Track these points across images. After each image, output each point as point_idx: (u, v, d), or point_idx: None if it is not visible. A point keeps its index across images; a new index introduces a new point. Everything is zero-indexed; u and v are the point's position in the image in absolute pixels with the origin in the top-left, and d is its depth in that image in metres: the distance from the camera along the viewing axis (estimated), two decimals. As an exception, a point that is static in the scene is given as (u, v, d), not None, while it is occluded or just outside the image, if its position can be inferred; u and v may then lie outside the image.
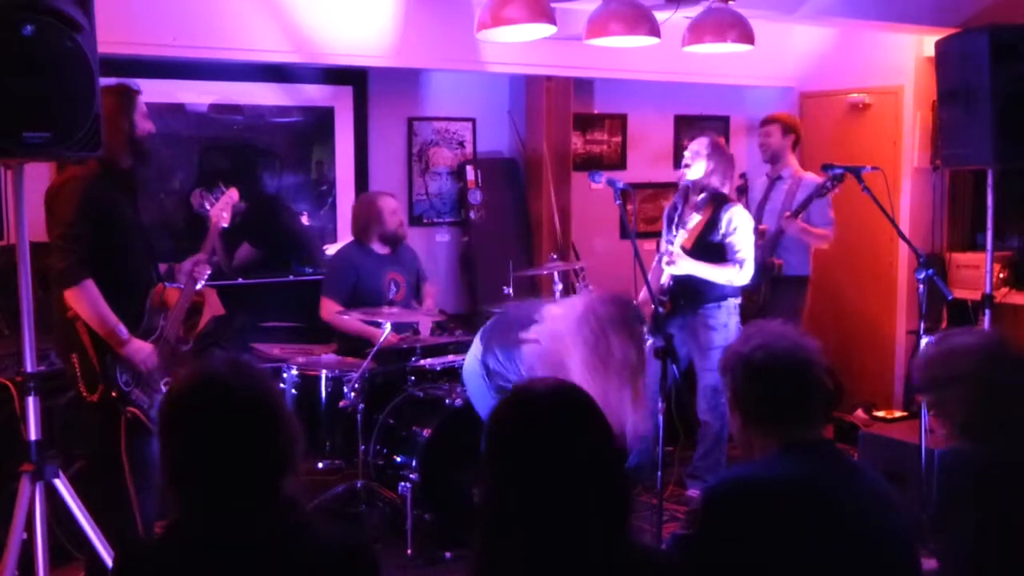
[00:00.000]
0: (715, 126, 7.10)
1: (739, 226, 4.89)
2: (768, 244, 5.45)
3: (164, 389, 3.81)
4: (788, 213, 5.38)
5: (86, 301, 3.57)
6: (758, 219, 5.54)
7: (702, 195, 4.94)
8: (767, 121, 5.76)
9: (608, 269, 6.10)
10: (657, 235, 5.64)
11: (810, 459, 2.24)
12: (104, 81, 3.25)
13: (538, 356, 3.60)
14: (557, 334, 3.48)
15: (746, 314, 5.39)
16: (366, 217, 5.33)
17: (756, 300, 5.42)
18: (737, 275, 4.89)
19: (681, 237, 4.84)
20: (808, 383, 2.28)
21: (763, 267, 5.38)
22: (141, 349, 3.72)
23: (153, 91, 4.81)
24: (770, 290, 5.45)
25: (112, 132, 3.54)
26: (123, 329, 3.66)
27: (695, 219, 4.83)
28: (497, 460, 1.86)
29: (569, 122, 6.38)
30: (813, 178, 5.46)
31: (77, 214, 3.56)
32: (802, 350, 2.29)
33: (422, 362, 4.94)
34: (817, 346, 2.32)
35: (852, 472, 2.30)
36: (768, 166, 5.80)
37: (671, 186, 5.37)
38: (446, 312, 5.87)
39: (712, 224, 4.88)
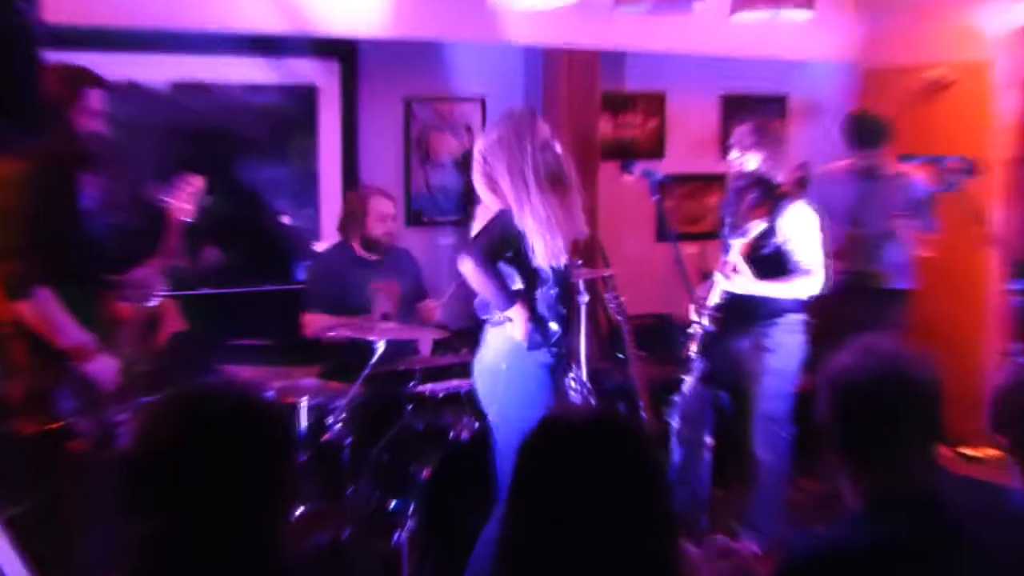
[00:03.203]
0: (771, 107, 7.07)
1: (800, 229, 4.86)
2: (868, 252, 5.40)
3: (116, 419, 3.80)
4: (899, 213, 5.31)
5: (43, 312, 3.58)
6: (852, 223, 5.49)
7: (754, 193, 4.94)
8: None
9: (643, 277, 6.07)
10: (702, 236, 5.62)
11: (904, 520, 2.15)
12: (54, 56, 3.25)
13: (480, 207, 4.10)
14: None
15: (831, 334, 5.34)
16: (350, 213, 5.36)
17: (847, 318, 5.34)
18: (806, 288, 4.87)
19: (738, 246, 4.80)
20: (905, 414, 2.18)
21: (861, 278, 5.34)
22: (108, 366, 3.73)
23: (104, 67, 4.80)
24: (862, 306, 5.39)
25: (55, 124, 3.56)
26: (91, 340, 3.67)
27: (758, 227, 4.80)
28: (521, 501, 1.87)
29: (596, 103, 6.37)
30: (919, 175, 5.40)
31: (18, 219, 3.56)
32: (906, 371, 2.19)
33: (421, 388, 4.91)
34: (931, 369, 2.22)
35: (957, 537, 2.19)
36: (835, 156, 5.77)
37: (718, 179, 5.34)
38: (449, 328, 5.83)
39: (769, 228, 4.86)
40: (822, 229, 4.99)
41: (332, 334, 4.99)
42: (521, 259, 4.01)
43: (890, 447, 2.19)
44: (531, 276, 4.05)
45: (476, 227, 4.13)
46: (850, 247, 5.35)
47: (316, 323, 5.19)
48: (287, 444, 1.91)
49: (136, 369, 3.95)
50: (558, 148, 4.04)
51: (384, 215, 5.34)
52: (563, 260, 4.07)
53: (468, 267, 3.98)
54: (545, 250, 3.99)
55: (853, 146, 5.62)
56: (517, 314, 4.00)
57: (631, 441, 1.88)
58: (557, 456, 1.85)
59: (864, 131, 5.60)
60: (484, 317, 4.16)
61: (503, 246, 3.99)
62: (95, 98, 3.81)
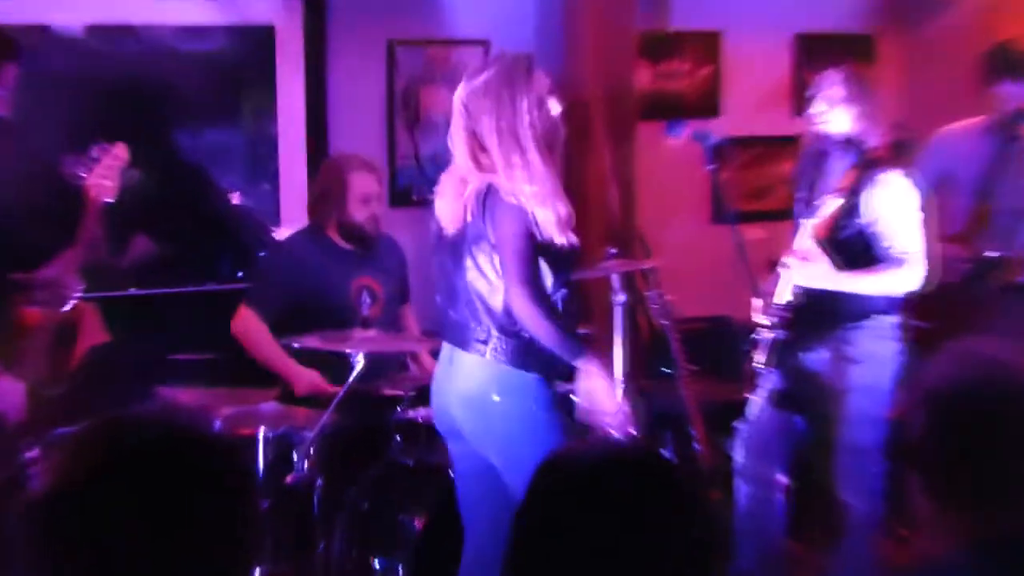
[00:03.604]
0: (858, 50, 7.06)
1: (893, 206, 4.86)
2: (1001, 233, 5.39)
3: (23, 457, 3.82)
4: None
5: None
6: (979, 195, 5.48)
7: (839, 159, 4.95)
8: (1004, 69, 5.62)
9: (695, 270, 6.07)
10: (770, 216, 5.61)
11: (1016, 571, 2.16)
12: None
13: (449, 178, 4.16)
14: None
15: (946, 341, 5.32)
16: (324, 192, 5.37)
17: (968, 319, 5.32)
18: (899, 282, 4.87)
19: (808, 227, 4.80)
20: (1018, 435, 2.19)
21: (989, 267, 5.33)
22: (12, 390, 3.75)
23: (3, 7, 4.83)
24: (989, 304, 5.38)
25: None
26: None
27: (833, 204, 4.81)
28: (528, 560, 1.88)
29: (632, 47, 6.39)
30: None
31: None
32: (1020, 381, 2.22)
33: (412, 413, 4.92)
34: None
35: None
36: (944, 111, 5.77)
37: (790, 142, 5.33)
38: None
39: (852, 205, 4.87)
40: (924, 207, 5.00)
41: (262, 339, 5.05)
42: (552, 247, 3.99)
43: (998, 477, 2.19)
44: (565, 264, 4.06)
45: (447, 205, 4.10)
46: (975, 226, 5.33)
47: (250, 324, 5.23)
48: (244, 488, 1.88)
49: (47, 393, 3.96)
50: (555, 109, 4.05)
51: (367, 194, 5.35)
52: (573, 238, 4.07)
53: (527, 310, 3.88)
54: (559, 222, 3.96)
55: (1002, 80, 5.59)
56: (592, 372, 3.97)
57: (664, 484, 1.87)
58: (562, 510, 1.85)
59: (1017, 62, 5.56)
60: (460, 336, 4.12)
61: (532, 238, 3.97)
62: (11, 74, 3.83)
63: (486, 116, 3.97)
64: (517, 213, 3.92)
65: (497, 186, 3.93)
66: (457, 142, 4.05)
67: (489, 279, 3.98)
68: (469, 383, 4.07)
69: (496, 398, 4.01)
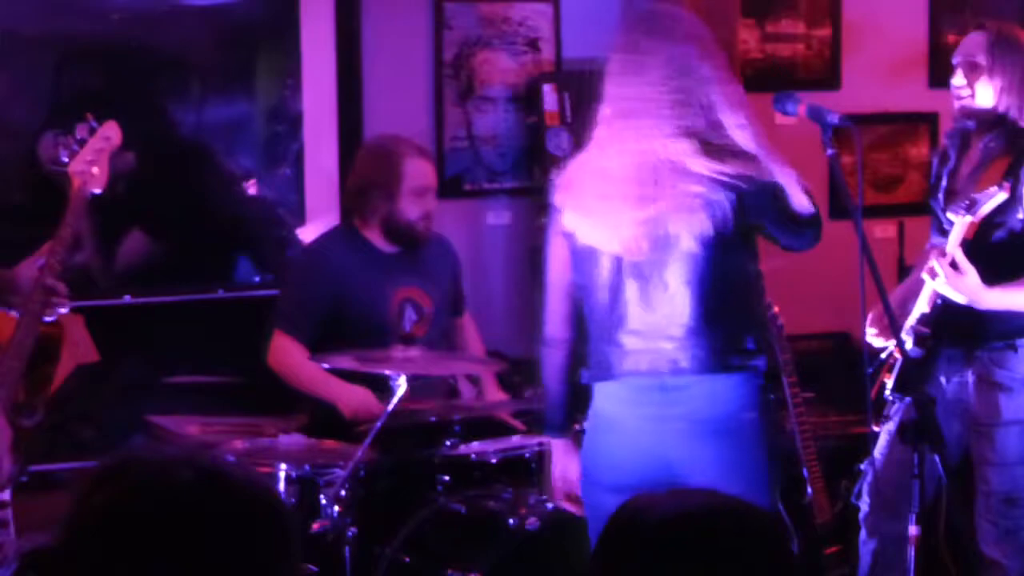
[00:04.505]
0: (1010, 7, 7.02)
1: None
2: None
3: None
4: None
5: None
6: None
7: (988, 138, 4.91)
8: None
9: (809, 276, 6.04)
10: (902, 210, 5.56)
11: None
12: None
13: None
14: None
15: None
16: (371, 183, 5.37)
17: None
18: None
19: (960, 227, 4.76)
20: None
21: None
22: None
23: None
24: None
25: None
26: None
27: (996, 198, 4.77)
28: None
29: (734, 3, 6.39)
30: None
31: None
32: None
33: (464, 448, 4.93)
34: None
35: None
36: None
37: (925, 120, 5.29)
38: (505, 355, 5.83)
39: (1006, 200, 4.82)
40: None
41: (314, 367, 5.04)
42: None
43: None
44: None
45: (620, 228, 3.95)
46: None
47: (287, 349, 5.26)
48: (288, 550, 1.83)
49: (22, 422, 3.97)
50: None
51: (424, 187, 5.37)
52: None
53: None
54: (799, 181, 4.04)
55: None
56: None
57: (754, 545, 1.89)
58: (640, 559, 1.87)
59: None
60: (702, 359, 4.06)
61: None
62: None
63: (710, 80, 4.03)
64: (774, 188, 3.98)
65: (741, 173, 3.93)
66: (634, 133, 3.98)
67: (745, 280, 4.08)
68: (717, 409, 4.05)
69: (750, 415, 4.07)
